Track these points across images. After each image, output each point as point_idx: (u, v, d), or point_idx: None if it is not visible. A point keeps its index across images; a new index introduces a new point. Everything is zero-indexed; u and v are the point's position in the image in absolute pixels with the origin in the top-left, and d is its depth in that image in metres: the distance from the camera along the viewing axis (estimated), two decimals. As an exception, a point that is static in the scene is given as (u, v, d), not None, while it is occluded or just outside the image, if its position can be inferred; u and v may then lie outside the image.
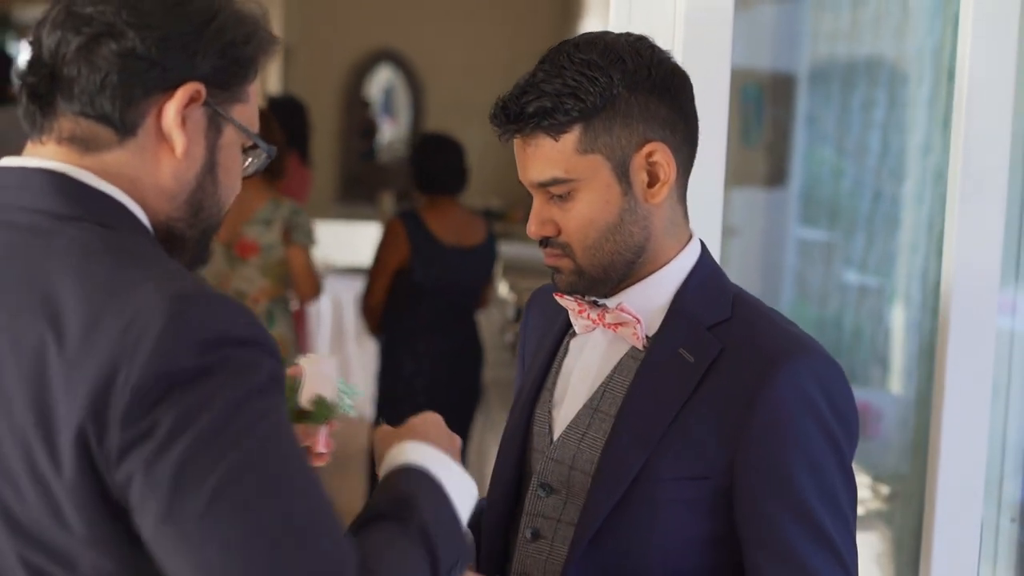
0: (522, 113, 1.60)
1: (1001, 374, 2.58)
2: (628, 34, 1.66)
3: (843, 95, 4.27)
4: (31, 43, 1.34)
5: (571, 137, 1.60)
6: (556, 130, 1.60)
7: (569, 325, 1.78)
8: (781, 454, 1.58)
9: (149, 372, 1.16)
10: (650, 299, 1.68)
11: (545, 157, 1.61)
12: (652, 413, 1.62)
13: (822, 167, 4.41)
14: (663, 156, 1.63)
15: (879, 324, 3.89)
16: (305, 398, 1.62)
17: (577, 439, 1.69)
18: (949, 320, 2.21)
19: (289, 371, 1.65)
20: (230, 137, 1.36)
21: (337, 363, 1.67)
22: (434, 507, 1.36)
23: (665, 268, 1.68)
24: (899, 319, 3.71)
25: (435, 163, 4.77)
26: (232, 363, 1.19)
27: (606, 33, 1.66)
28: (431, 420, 1.53)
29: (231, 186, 1.39)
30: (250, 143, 1.40)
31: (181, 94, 1.30)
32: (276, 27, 5.95)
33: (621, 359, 1.69)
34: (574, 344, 1.77)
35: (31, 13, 10.48)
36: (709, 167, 2.17)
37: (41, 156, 1.32)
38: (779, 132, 4.40)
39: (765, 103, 4.35)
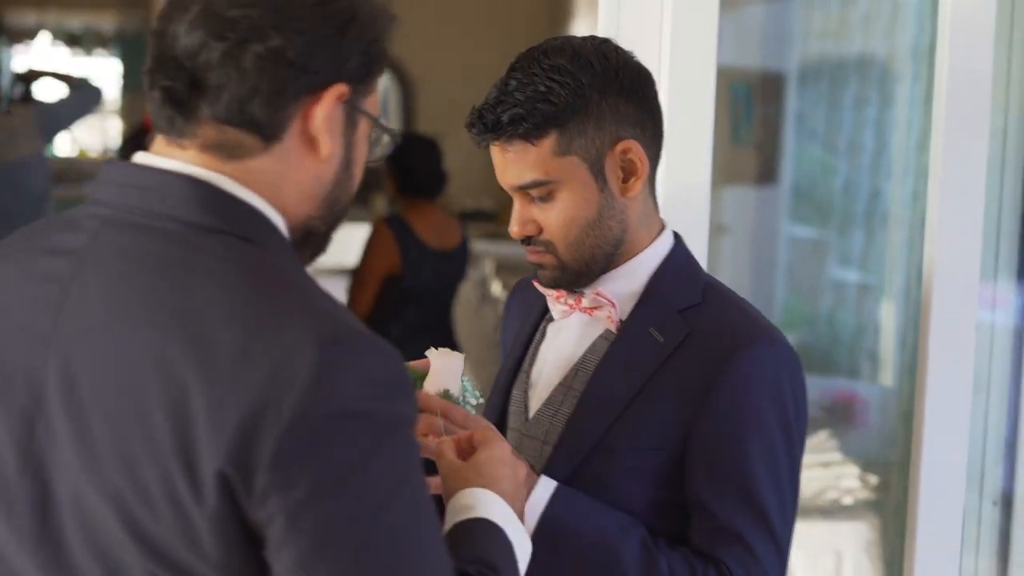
0: (499, 122, 1.66)
1: (982, 366, 2.63)
2: (593, 37, 1.73)
3: (833, 93, 4.29)
4: (157, 36, 1.26)
5: (548, 141, 1.66)
6: (533, 135, 1.66)
7: (547, 310, 1.86)
8: (737, 431, 1.65)
9: (299, 416, 1.11)
10: (625, 285, 1.75)
11: (524, 162, 1.68)
12: (617, 387, 1.70)
13: (812, 165, 4.43)
14: (636, 153, 1.70)
15: (871, 319, 3.92)
16: (431, 391, 1.65)
17: (550, 416, 1.77)
18: (930, 313, 2.25)
19: (414, 363, 1.69)
20: (363, 130, 1.33)
21: (463, 360, 1.70)
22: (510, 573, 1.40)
23: (639, 256, 1.75)
24: (890, 314, 3.75)
25: (418, 166, 4.73)
26: (381, 414, 1.16)
27: (571, 38, 1.72)
28: (498, 458, 1.52)
29: (360, 176, 1.35)
30: (376, 132, 1.36)
31: (329, 97, 1.26)
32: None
33: (595, 340, 1.76)
34: (551, 329, 1.84)
35: (23, 19, 10.49)
36: (696, 165, 2.22)
37: (182, 160, 1.25)
38: (769, 130, 4.43)
39: (754, 101, 4.38)
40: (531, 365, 1.85)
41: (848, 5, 4.27)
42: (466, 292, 6.40)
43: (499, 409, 1.87)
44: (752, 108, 4.37)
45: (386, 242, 4.67)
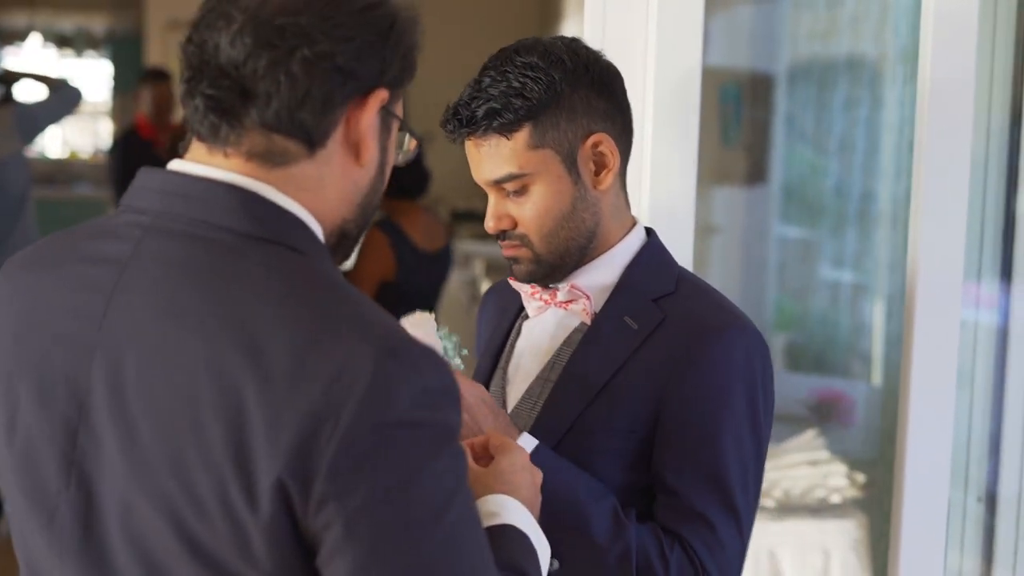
0: (473, 116, 1.71)
1: (967, 364, 2.65)
2: (562, 37, 1.78)
3: (822, 94, 4.31)
4: (196, 46, 1.26)
5: (522, 135, 1.71)
6: (507, 129, 1.71)
7: (522, 309, 1.90)
8: (706, 412, 1.69)
9: (357, 425, 1.13)
10: (599, 278, 1.79)
11: (499, 155, 1.73)
12: (592, 372, 1.74)
13: (802, 166, 4.45)
14: (608, 146, 1.75)
15: (861, 319, 3.94)
16: None
17: (529, 409, 1.80)
18: (914, 312, 2.26)
19: None
20: (394, 135, 1.35)
21: (434, 319, 1.72)
22: None
23: (612, 250, 1.80)
24: (880, 314, 3.76)
25: (406, 167, 4.66)
26: (435, 423, 1.17)
27: (541, 38, 1.77)
28: (520, 464, 1.54)
29: (387, 180, 1.37)
30: (403, 137, 1.39)
31: (373, 102, 1.28)
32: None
33: (570, 334, 1.80)
34: (526, 326, 1.88)
35: (14, 20, 10.49)
36: (682, 166, 2.23)
37: (225, 168, 1.25)
38: (758, 131, 4.45)
39: (744, 103, 4.40)
40: (507, 361, 1.88)
41: (836, 7, 4.29)
42: (456, 292, 6.41)
43: None
44: (742, 109, 4.39)
45: (381, 247, 4.64)
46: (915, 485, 2.27)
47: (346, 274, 4.87)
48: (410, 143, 1.40)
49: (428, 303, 4.86)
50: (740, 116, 4.41)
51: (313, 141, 1.26)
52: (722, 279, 4.19)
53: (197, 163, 1.27)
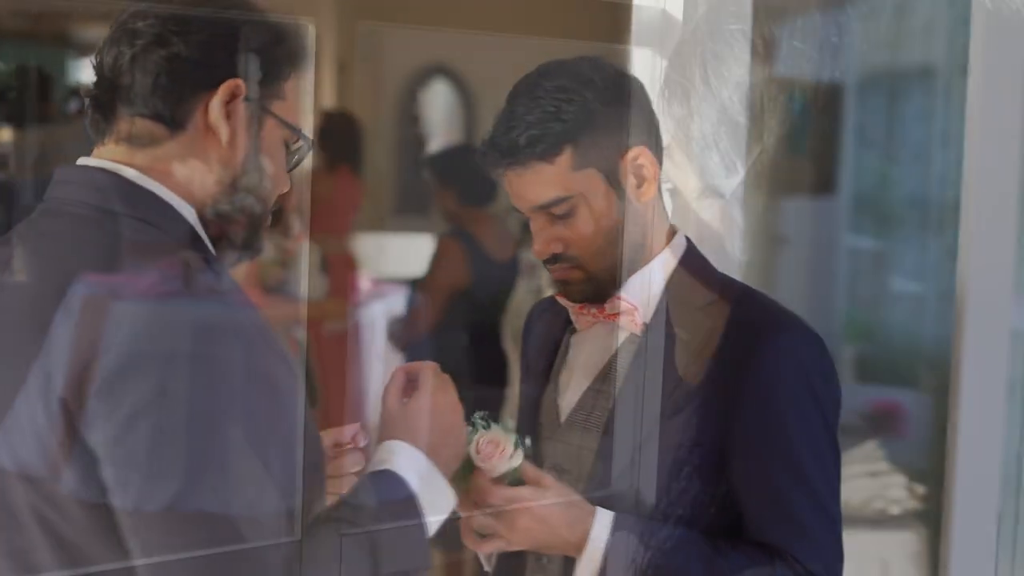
0: (516, 145, 1.71)
1: (1017, 374, 2.61)
2: (583, 56, 1.80)
3: (891, 103, 4.28)
4: (95, 64, 1.51)
5: (564, 158, 1.71)
6: (550, 154, 1.71)
7: (568, 323, 1.89)
8: (774, 415, 1.69)
9: (117, 358, 1.31)
10: (645, 288, 1.80)
11: (543, 181, 1.72)
12: (650, 388, 1.74)
13: (872, 175, 4.42)
14: (646, 158, 1.76)
15: (931, 329, 3.90)
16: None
17: (583, 420, 1.81)
18: (964, 321, 2.25)
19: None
20: (271, 129, 1.52)
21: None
22: (398, 524, 1.49)
23: (657, 259, 1.80)
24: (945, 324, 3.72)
25: (475, 173, 4.66)
26: (207, 357, 1.33)
27: (563, 60, 1.79)
28: (425, 409, 1.60)
29: (277, 177, 1.54)
30: (294, 139, 1.55)
31: (223, 90, 1.46)
32: (330, 43, 6.02)
33: (621, 344, 1.81)
34: (575, 339, 1.88)
35: (91, 32, 10.67)
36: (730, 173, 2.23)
37: (101, 156, 1.49)
38: (827, 141, 4.41)
39: (812, 112, 4.36)
40: (559, 373, 1.88)
41: (906, 15, 4.25)
42: (521, 302, 6.39)
43: (531, 421, 1.90)
44: (809, 118, 4.36)
45: (455, 256, 4.67)
46: (965, 495, 2.25)
47: (419, 283, 4.89)
48: (295, 143, 1.55)
49: (495, 311, 4.86)
50: (808, 125, 4.38)
51: (173, 124, 1.46)
52: (791, 290, 4.17)
53: (91, 157, 1.50)
